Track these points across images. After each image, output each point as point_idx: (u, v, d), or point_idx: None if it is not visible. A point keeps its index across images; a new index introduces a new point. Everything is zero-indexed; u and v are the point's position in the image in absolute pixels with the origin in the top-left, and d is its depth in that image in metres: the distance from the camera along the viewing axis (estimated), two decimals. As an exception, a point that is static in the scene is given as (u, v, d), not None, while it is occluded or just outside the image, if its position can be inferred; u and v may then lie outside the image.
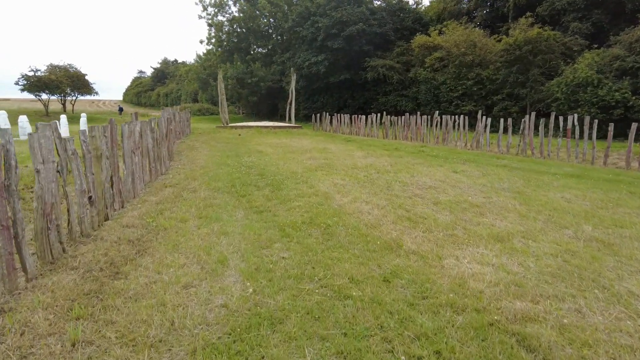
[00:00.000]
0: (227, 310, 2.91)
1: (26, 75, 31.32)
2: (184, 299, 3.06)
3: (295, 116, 29.44)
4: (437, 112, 16.88)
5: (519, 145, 13.00)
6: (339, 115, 23.65)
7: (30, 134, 3.55)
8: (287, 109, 29.21)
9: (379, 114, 20.06)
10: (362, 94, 33.03)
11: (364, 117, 20.92)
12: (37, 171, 3.59)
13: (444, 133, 15.90)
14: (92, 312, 2.86)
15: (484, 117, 14.26)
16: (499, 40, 24.91)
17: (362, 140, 17.20)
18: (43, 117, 30.45)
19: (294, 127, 25.67)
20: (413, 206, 5.92)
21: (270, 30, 42.55)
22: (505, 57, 22.86)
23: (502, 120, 13.84)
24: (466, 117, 15.16)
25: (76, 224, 4.36)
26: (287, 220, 5.07)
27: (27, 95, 33.90)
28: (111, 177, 5.65)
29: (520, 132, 12.98)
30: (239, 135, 19.80)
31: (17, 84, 30.72)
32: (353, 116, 21.93)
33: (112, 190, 5.64)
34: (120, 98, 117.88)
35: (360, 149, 13.58)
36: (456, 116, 15.61)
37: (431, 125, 16.66)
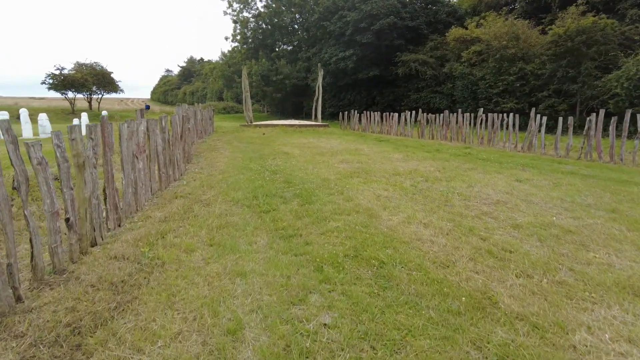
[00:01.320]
0: None
1: (52, 73, 31.39)
2: (167, 419, 1.83)
3: (321, 114, 28.16)
4: (482, 109, 15.19)
5: (581, 147, 11.25)
6: (368, 113, 22.21)
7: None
8: (314, 107, 27.93)
9: (413, 112, 18.49)
10: (391, 90, 31.38)
11: (396, 114, 19.40)
12: (-34, 193, 2.45)
13: (490, 133, 14.23)
14: None
15: (538, 116, 12.53)
16: (544, 32, 22.79)
17: (397, 140, 15.73)
18: (69, 115, 30.44)
19: (321, 125, 24.39)
20: (488, 231, 4.52)
21: (296, 26, 41.44)
22: (553, 50, 20.74)
23: (560, 119, 12.08)
24: (516, 116, 13.44)
25: (42, 259, 3.21)
26: (324, 252, 3.79)
27: (59, 94, 34.10)
28: (103, 190, 4.54)
29: (584, 133, 11.22)
30: (263, 134, 18.71)
31: (43, 83, 30.86)
32: (384, 114, 20.44)
33: (106, 205, 4.52)
34: (149, 97, 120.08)
35: (397, 151, 12.15)
36: (504, 114, 13.91)
37: (474, 125, 15.02)
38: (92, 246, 4.07)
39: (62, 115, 30.41)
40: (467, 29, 26.78)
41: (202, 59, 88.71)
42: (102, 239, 4.26)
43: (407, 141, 15.51)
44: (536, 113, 12.78)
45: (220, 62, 48.80)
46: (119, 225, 4.75)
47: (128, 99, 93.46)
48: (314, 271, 3.39)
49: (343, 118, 25.06)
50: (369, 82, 31.91)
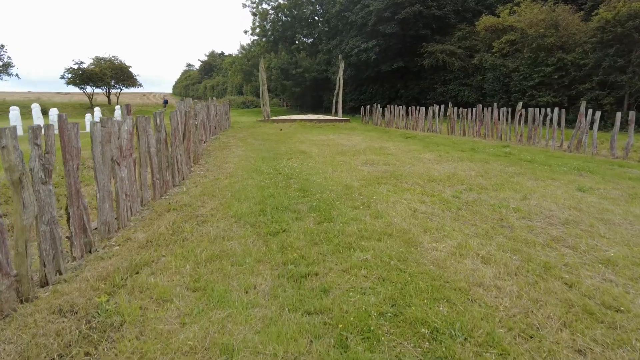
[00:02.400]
0: None
1: (71, 68, 31.22)
2: None
3: (341, 108, 26.92)
4: (520, 103, 13.67)
5: (644, 147, 9.73)
6: (391, 106, 20.85)
7: None
8: (334, 100, 26.72)
9: (442, 106, 17.08)
10: (416, 83, 29.78)
11: (423, 109, 18.01)
12: None
13: (530, 130, 12.74)
14: None
15: (591, 111, 11.00)
16: (586, 20, 20.83)
17: (425, 137, 14.40)
18: (87, 109, 30.28)
19: (341, 120, 23.20)
20: (571, 271, 3.31)
21: (317, 18, 40.16)
22: (599, 37, 18.81)
23: (618, 114, 10.51)
24: (562, 110, 11.92)
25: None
26: (348, 308, 2.68)
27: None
28: (66, 208, 3.57)
29: (648, 130, 9.69)
30: (281, 130, 17.69)
31: (62, 77, 30.75)
32: (410, 108, 19.05)
33: (71, 228, 3.55)
34: (171, 91, 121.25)
35: (427, 149, 10.88)
36: (547, 109, 12.40)
37: (512, 120, 13.54)
38: (43, 286, 3.11)
39: (81, 109, 30.27)
40: (498, 17, 24.92)
41: (222, 53, 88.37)
42: (62, 273, 3.29)
43: (436, 138, 14.17)
44: (574, 108, 11.25)
45: (239, 55, 48.04)
46: (89, 252, 3.78)
47: (150, 93, 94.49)
48: (334, 347, 2.29)
49: (365, 112, 23.81)
50: (392, 75, 30.43)
